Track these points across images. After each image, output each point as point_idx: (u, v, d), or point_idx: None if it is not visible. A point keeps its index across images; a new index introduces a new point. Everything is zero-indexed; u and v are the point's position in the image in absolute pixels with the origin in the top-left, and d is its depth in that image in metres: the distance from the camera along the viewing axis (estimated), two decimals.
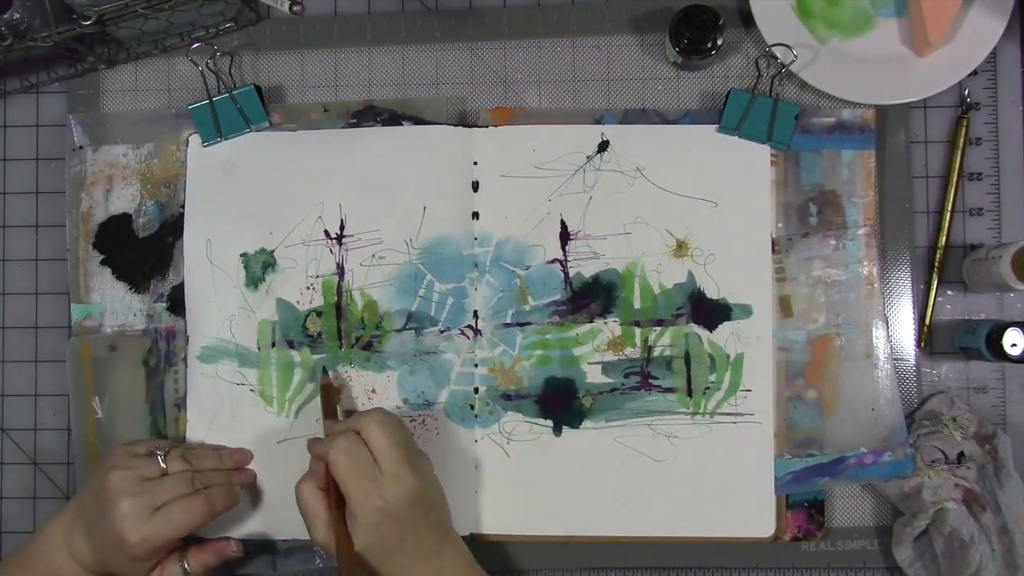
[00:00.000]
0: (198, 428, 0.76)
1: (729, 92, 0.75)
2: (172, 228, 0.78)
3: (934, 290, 0.76)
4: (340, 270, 0.76)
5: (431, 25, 0.79)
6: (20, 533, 0.80)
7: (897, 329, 0.76)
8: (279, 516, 0.75)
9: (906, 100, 0.75)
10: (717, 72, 0.78)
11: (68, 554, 0.67)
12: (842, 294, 0.75)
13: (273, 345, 0.76)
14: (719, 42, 0.74)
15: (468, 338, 0.76)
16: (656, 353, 0.75)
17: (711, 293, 0.75)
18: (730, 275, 0.75)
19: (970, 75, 0.75)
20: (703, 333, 0.75)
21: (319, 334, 0.76)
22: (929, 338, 0.76)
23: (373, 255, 0.76)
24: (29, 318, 0.81)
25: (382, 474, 0.63)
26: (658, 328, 0.75)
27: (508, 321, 0.76)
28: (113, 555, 0.65)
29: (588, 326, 0.75)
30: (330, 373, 0.75)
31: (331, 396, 0.73)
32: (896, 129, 0.76)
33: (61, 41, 0.73)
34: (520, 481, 0.75)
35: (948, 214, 0.76)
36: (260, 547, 0.76)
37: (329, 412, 0.72)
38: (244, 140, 0.77)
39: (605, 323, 0.75)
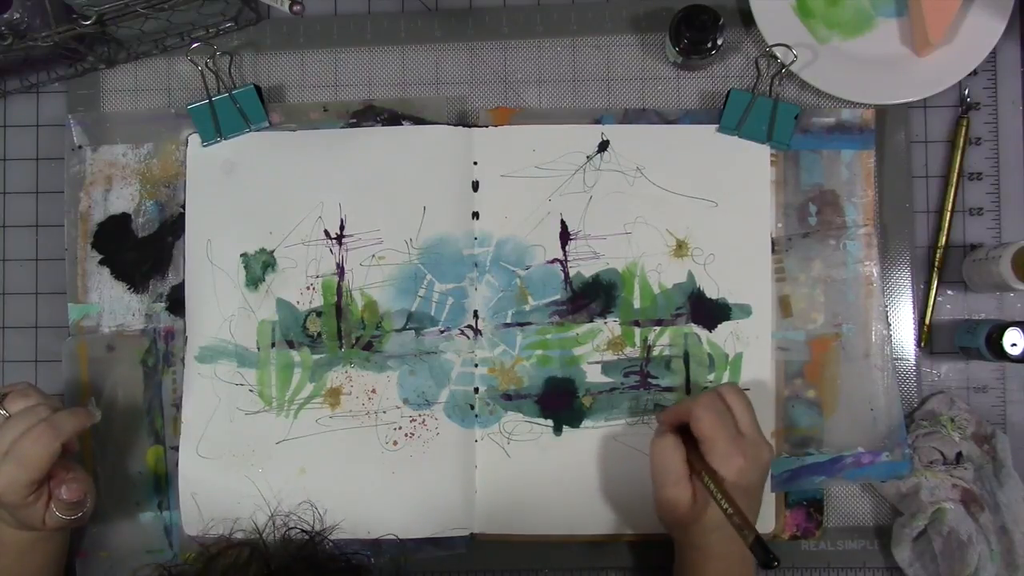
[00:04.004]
0: (194, 428, 0.76)
1: (729, 92, 0.75)
2: (172, 228, 0.78)
3: (934, 290, 0.76)
4: (340, 270, 0.76)
5: (431, 25, 0.79)
6: None
7: (897, 329, 0.76)
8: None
9: (906, 100, 0.75)
10: (717, 72, 0.78)
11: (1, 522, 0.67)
12: (842, 294, 0.75)
13: (273, 345, 0.76)
14: (719, 42, 0.74)
15: (468, 338, 0.76)
16: (655, 353, 0.75)
17: (711, 293, 0.75)
18: (730, 275, 0.75)
19: (970, 75, 0.75)
20: (702, 333, 0.75)
21: (319, 334, 0.76)
22: (929, 338, 0.76)
23: (373, 255, 0.76)
24: (29, 318, 0.81)
25: (743, 436, 0.64)
26: (657, 328, 0.75)
27: (508, 321, 0.76)
28: (5, 511, 0.66)
29: (588, 326, 0.75)
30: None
31: None
32: (896, 129, 0.76)
33: (61, 41, 0.73)
34: (520, 481, 0.75)
35: (948, 214, 0.76)
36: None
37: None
38: (244, 140, 0.77)
39: (605, 323, 0.75)
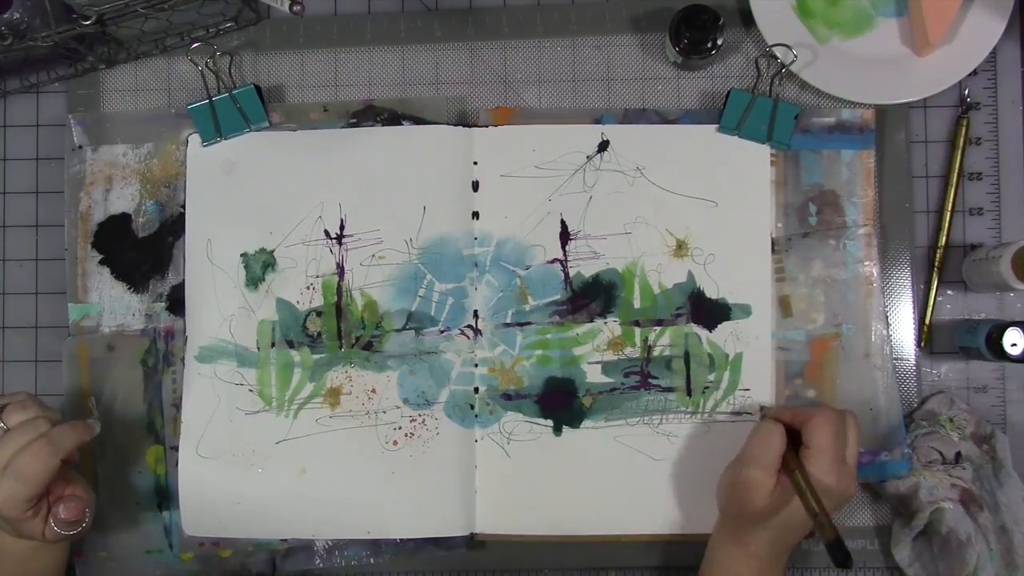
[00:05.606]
0: (194, 428, 0.76)
1: (729, 92, 0.75)
2: (172, 228, 0.78)
3: (934, 290, 0.76)
4: (340, 270, 0.76)
5: (431, 25, 0.80)
6: None
7: (897, 329, 0.76)
8: (279, 516, 0.75)
9: (906, 100, 0.75)
10: (717, 72, 0.78)
11: (1, 532, 0.67)
12: (842, 294, 0.75)
13: (273, 345, 0.76)
14: (719, 42, 0.74)
15: (468, 338, 0.76)
16: (656, 353, 0.75)
17: (711, 293, 0.75)
18: (730, 275, 0.75)
19: (970, 75, 0.75)
20: (702, 333, 0.75)
21: (319, 334, 0.76)
22: (929, 338, 0.76)
23: (373, 255, 0.76)
24: (29, 318, 0.81)
25: (845, 464, 0.64)
26: (658, 328, 0.75)
27: (508, 321, 0.76)
28: (5, 523, 0.65)
29: (588, 326, 0.75)
30: None
31: None
32: (896, 129, 0.76)
33: (61, 41, 0.73)
34: (520, 481, 0.75)
35: (948, 214, 0.76)
36: (260, 547, 0.76)
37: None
38: (244, 140, 0.77)
39: (605, 323, 0.75)
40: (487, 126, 0.76)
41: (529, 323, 0.76)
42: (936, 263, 0.76)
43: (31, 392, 0.80)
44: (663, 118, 0.76)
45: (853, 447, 0.65)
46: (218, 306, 0.77)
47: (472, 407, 0.75)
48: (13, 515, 0.64)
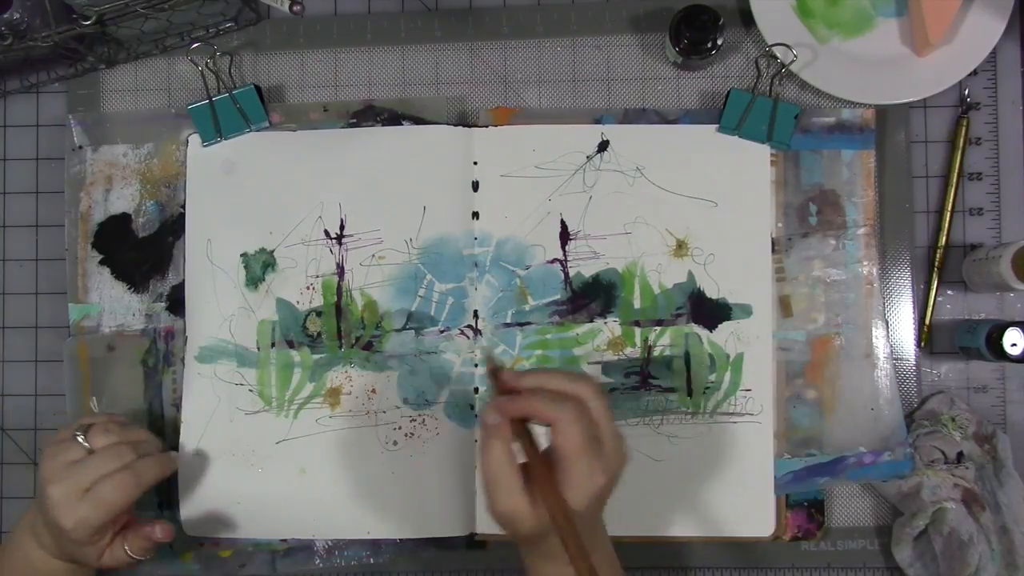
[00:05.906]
0: (194, 428, 0.76)
1: (729, 92, 0.75)
2: (172, 228, 0.78)
3: (934, 290, 0.76)
4: (340, 270, 0.76)
5: (431, 25, 0.80)
6: None
7: (897, 329, 0.76)
8: (279, 516, 0.75)
9: (906, 100, 0.75)
10: (717, 72, 0.78)
11: (38, 546, 0.67)
12: (842, 294, 0.75)
13: (273, 345, 0.76)
14: (719, 42, 0.74)
15: (468, 338, 0.76)
16: (656, 353, 0.75)
17: (711, 293, 0.75)
18: (730, 275, 0.75)
19: (970, 75, 0.75)
20: (703, 333, 0.75)
21: (319, 334, 0.76)
22: (929, 338, 0.76)
23: (373, 255, 0.76)
24: (29, 318, 0.81)
25: (603, 449, 0.56)
26: (658, 328, 0.75)
27: (508, 321, 0.76)
28: (65, 542, 0.65)
29: (588, 326, 0.75)
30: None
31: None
32: (896, 129, 0.76)
33: (61, 41, 0.73)
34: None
35: (948, 214, 0.76)
36: (260, 547, 0.76)
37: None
38: (244, 140, 0.77)
39: (605, 323, 0.75)
40: (487, 126, 0.76)
41: (529, 323, 0.76)
42: (936, 263, 0.76)
43: (35, 395, 0.80)
44: (663, 118, 0.76)
45: (607, 418, 0.57)
46: (218, 306, 0.77)
47: (472, 407, 0.75)
48: (80, 538, 0.63)
